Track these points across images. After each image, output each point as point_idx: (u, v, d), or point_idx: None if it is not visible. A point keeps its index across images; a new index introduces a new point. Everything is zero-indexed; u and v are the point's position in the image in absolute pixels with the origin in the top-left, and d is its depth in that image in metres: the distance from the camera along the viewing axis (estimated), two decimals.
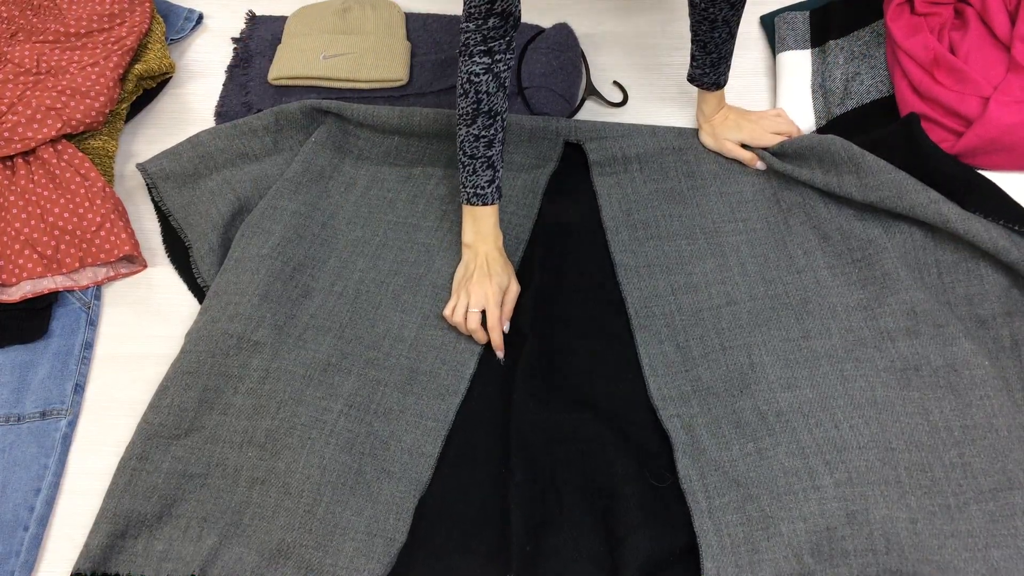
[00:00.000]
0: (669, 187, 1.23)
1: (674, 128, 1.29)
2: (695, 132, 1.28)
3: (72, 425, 1.09)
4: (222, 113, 1.38)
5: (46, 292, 1.16)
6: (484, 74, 1.01)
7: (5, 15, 1.33)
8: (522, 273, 1.16)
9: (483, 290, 1.08)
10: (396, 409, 1.04)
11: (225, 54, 1.47)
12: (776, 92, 1.34)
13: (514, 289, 1.11)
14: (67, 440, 1.08)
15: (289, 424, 1.01)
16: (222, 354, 1.06)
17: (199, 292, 1.17)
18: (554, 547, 0.95)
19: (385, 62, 1.36)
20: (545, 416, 1.03)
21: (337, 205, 1.23)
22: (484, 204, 1.08)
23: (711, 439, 1.00)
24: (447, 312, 1.09)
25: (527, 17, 1.45)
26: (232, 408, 1.04)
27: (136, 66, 1.33)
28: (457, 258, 1.16)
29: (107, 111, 1.26)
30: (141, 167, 1.24)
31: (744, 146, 1.23)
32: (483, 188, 1.07)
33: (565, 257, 1.18)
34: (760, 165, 1.23)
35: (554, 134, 1.27)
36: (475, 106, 1.03)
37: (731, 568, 0.91)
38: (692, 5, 1.10)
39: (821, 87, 1.31)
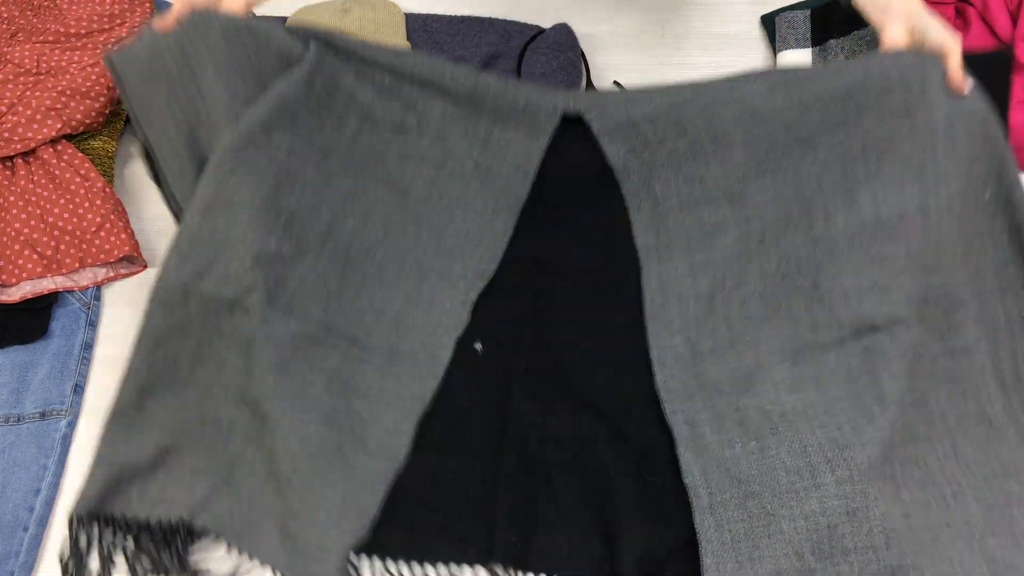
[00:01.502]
0: (686, 143, 1.11)
1: (683, 84, 1.14)
2: (708, 83, 1.12)
3: (72, 425, 1.09)
4: None
5: (46, 292, 1.16)
6: None
7: (5, 15, 1.33)
8: (521, 270, 1.14)
9: None
10: (376, 388, 1.03)
11: None
12: None
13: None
14: (67, 440, 1.08)
15: (272, 393, 0.99)
16: (214, 314, 1.02)
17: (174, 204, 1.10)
18: (549, 544, 0.95)
19: None
20: (542, 412, 1.02)
21: (329, 145, 1.13)
22: None
23: (714, 435, 1.00)
24: None
25: (527, 17, 1.45)
26: (227, 365, 1.02)
27: None
28: (447, 234, 1.13)
29: (107, 111, 1.26)
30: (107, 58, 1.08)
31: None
32: None
33: (565, 253, 1.15)
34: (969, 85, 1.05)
35: (550, 106, 1.16)
36: None
37: (731, 564, 0.91)
38: None
39: None
